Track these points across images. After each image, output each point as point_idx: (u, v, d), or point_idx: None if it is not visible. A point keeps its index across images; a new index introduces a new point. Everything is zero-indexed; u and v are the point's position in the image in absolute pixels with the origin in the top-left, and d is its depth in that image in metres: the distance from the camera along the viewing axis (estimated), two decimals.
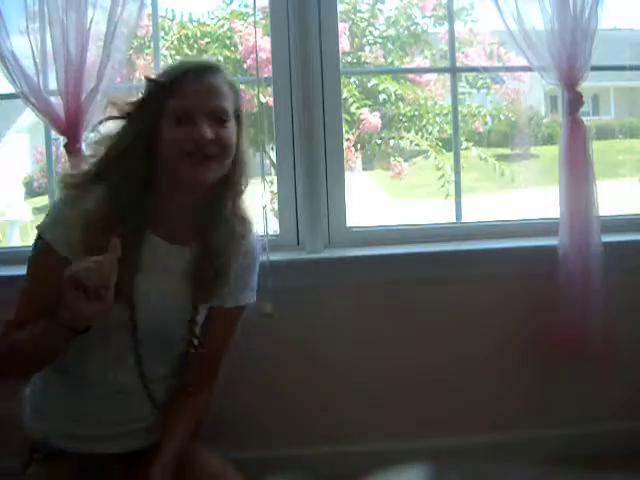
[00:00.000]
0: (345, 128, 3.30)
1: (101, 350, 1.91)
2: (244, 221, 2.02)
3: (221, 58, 3.76)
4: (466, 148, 3.75)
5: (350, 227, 2.95)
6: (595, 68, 2.80)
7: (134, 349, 1.92)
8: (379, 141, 3.92)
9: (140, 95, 1.93)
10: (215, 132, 1.84)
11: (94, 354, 1.92)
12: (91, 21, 2.57)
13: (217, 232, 1.95)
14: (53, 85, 2.63)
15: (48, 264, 1.83)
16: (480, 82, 4.03)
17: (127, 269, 1.76)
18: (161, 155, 1.85)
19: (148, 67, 3.42)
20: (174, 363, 2.02)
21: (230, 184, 1.95)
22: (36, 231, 1.88)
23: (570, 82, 2.75)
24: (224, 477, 1.98)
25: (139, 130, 1.87)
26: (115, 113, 1.92)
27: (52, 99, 2.63)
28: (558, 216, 2.81)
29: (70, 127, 2.62)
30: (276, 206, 3.02)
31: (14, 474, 1.99)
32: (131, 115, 1.91)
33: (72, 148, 2.62)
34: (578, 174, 2.75)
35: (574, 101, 2.76)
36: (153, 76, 1.95)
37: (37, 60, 2.59)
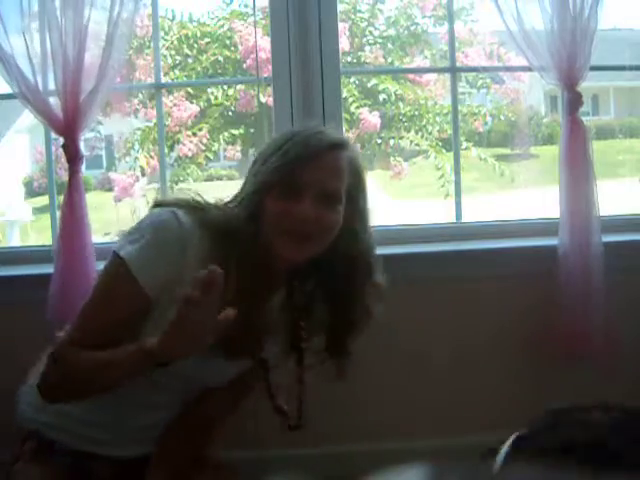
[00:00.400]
0: (345, 128, 3.30)
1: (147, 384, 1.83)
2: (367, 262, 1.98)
3: (221, 58, 3.76)
4: (466, 148, 3.75)
5: None
6: (595, 68, 2.80)
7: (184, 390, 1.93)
8: (379, 141, 3.93)
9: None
10: (319, 212, 1.73)
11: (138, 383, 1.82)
12: (88, 21, 2.57)
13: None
14: (52, 85, 2.63)
15: (123, 292, 1.74)
16: (480, 82, 4.04)
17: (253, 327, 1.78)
18: (263, 223, 1.76)
19: (148, 67, 3.42)
20: None
21: (344, 270, 1.88)
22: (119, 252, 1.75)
23: (570, 82, 2.75)
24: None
25: (258, 196, 1.77)
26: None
27: (51, 99, 2.63)
28: (558, 216, 2.81)
29: (68, 128, 2.62)
30: None
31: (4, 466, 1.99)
32: (257, 179, 1.80)
33: (70, 149, 2.62)
34: (578, 174, 2.76)
35: (574, 101, 2.76)
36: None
37: (35, 60, 2.59)
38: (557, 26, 2.69)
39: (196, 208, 1.78)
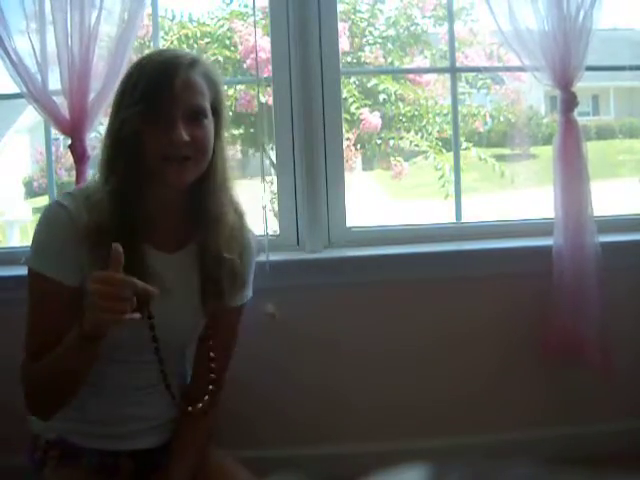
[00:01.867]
0: (345, 128, 3.30)
1: (124, 364, 1.92)
2: (237, 215, 1.97)
3: (221, 58, 3.76)
4: (466, 148, 3.74)
5: (350, 227, 2.95)
6: (595, 68, 2.80)
7: (158, 363, 1.92)
8: (379, 141, 3.92)
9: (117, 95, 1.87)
10: (190, 133, 1.78)
11: (117, 368, 1.93)
12: (96, 21, 2.57)
13: (212, 232, 1.90)
14: (58, 85, 2.62)
15: (47, 293, 1.84)
16: (480, 82, 4.03)
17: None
18: (145, 156, 1.80)
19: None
20: (189, 359, 2.07)
21: (213, 180, 1.89)
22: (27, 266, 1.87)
23: (564, 82, 2.75)
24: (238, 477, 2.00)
25: (119, 132, 1.81)
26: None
27: (57, 99, 2.63)
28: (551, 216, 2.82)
29: (75, 128, 2.62)
30: (276, 206, 3.02)
31: (17, 472, 1.99)
32: (113, 117, 1.85)
33: (77, 149, 2.62)
34: (573, 174, 2.76)
35: (568, 101, 2.77)
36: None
37: (41, 60, 2.59)
38: (550, 26, 2.69)
39: (77, 191, 1.92)
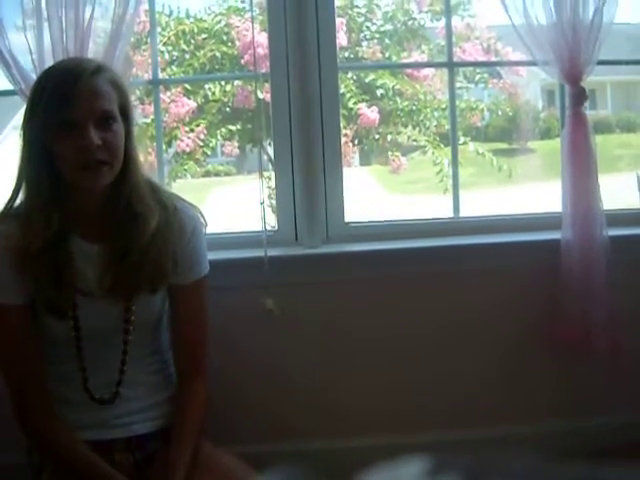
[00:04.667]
0: (343, 123, 3.30)
1: (59, 364, 2.01)
2: (161, 206, 2.00)
3: (218, 54, 3.75)
4: (464, 143, 3.74)
5: (348, 222, 2.95)
6: None
7: (79, 359, 1.99)
8: (377, 136, 3.92)
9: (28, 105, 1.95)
10: (102, 137, 1.85)
11: (55, 367, 2.00)
12: (90, 18, 2.57)
13: (120, 228, 1.96)
14: None
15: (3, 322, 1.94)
16: (478, 77, 4.03)
17: (63, 278, 1.89)
18: (58, 166, 1.88)
19: (145, 63, 3.42)
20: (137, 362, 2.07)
21: (128, 180, 1.95)
22: None
23: (573, 77, 2.75)
24: (236, 475, 2.00)
25: (31, 144, 1.91)
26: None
27: None
28: (557, 210, 2.82)
29: None
30: (274, 202, 3.02)
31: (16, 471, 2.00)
32: (24, 129, 1.95)
33: None
34: (581, 168, 2.76)
35: (578, 96, 2.77)
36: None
37: (35, 57, 2.59)
38: (560, 20, 2.69)
39: (6, 210, 1.97)
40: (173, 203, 2.05)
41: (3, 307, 1.91)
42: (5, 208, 1.97)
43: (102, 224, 1.97)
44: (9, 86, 2.63)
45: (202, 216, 2.14)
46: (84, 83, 1.84)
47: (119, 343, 2.01)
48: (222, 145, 3.93)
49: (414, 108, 3.94)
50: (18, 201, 1.96)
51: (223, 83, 3.77)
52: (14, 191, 1.95)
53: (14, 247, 1.87)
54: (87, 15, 2.56)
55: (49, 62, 2.57)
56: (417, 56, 4.01)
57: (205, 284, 2.12)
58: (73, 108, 1.82)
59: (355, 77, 3.82)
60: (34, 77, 2.58)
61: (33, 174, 1.91)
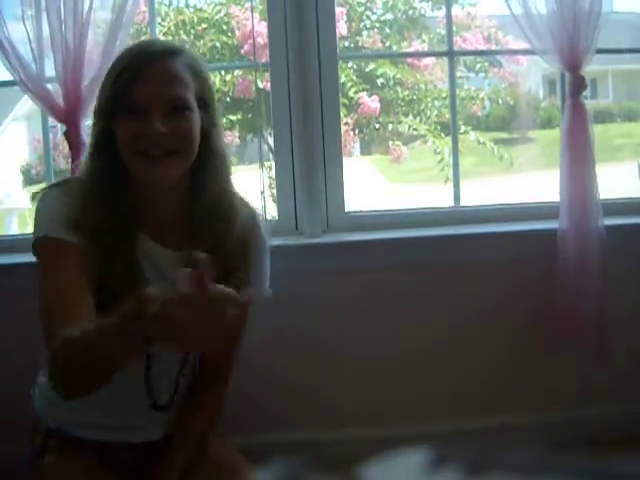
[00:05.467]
0: (343, 112, 3.30)
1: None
2: (232, 212, 1.82)
3: (218, 44, 3.75)
4: (464, 132, 3.74)
5: (348, 212, 2.95)
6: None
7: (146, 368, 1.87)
8: (377, 125, 3.92)
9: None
10: (171, 125, 1.66)
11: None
12: (90, 8, 2.56)
13: (202, 235, 1.76)
14: (50, 72, 2.62)
15: (63, 258, 1.67)
16: (478, 66, 4.03)
17: (131, 276, 1.67)
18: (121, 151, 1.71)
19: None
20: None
21: (208, 176, 1.79)
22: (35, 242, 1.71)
23: (573, 65, 2.74)
24: (234, 467, 1.99)
25: (100, 126, 1.73)
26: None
27: (51, 87, 2.62)
28: (557, 199, 2.82)
29: (70, 115, 2.61)
30: (274, 191, 3.02)
31: (16, 461, 1.99)
32: (95, 110, 1.77)
33: (72, 136, 2.62)
34: (579, 157, 2.76)
35: (577, 84, 2.76)
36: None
37: (35, 47, 2.58)
38: (560, 9, 2.68)
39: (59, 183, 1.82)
40: (252, 209, 1.92)
41: (72, 246, 1.66)
42: (69, 180, 1.86)
43: (180, 228, 1.79)
44: (9, 77, 2.63)
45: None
46: (157, 65, 1.67)
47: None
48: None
49: (415, 97, 3.95)
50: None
51: (223, 73, 3.77)
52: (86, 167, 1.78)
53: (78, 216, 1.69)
54: (86, 5, 2.56)
55: (48, 52, 2.57)
56: (417, 45, 4.01)
57: (248, 308, 1.93)
58: (140, 90, 1.65)
59: (355, 66, 3.82)
60: (33, 67, 2.59)
61: (100, 154, 1.73)
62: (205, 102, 1.75)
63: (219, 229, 1.78)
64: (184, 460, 1.90)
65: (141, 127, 1.65)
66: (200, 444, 1.96)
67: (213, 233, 1.77)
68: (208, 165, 1.78)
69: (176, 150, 1.68)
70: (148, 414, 1.93)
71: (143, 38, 3.35)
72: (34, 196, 1.88)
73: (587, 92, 2.81)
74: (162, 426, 1.95)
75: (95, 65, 2.58)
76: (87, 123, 2.62)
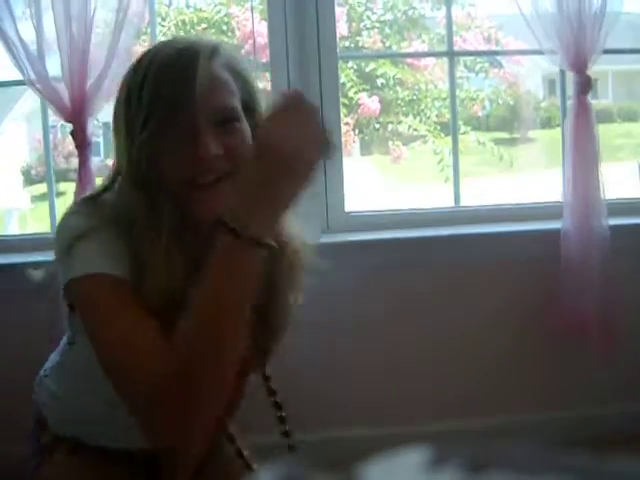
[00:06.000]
0: (343, 113, 3.30)
1: None
2: (297, 251, 1.61)
3: None
4: (465, 132, 3.75)
5: (348, 212, 2.94)
6: None
7: None
8: (377, 126, 3.92)
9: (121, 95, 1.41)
10: (221, 143, 1.33)
11: None
12: (95, 8, 2.56)
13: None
14: (56, 71, 2.61)
15: (117, 292, 1.34)
16: (478, 66, 4.03)
17: None
18: (159, 182, 1.36)
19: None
20: None
21: None
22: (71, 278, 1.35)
23: (579, 65, 2.74)
24: (237, 466, 1.98)
25: (124, 147, 1.37)
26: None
27: (58, 85, 2.62)
28: (557, 199, 2.81)
29: (75, 114, 2.61)
30: None
31: (18, 462, 1.99)
32: (117, 132, 1.40)
33: (78, 135, 2.61)
34: (585, 157, 2.76)
35: (583, 84, 2.76)
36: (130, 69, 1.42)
37: (41, 46, 2.58)
38: (567, 9, 2.68)
39: (87, 203, 1.44)
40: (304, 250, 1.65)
41: (117, 279, 1.32)
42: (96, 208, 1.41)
43: None
44: (10, 76, 2.63)
45: None
46: (199, 72, 1.32)
47: None
48: None
49: (415, 97, 3.95)
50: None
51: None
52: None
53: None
54: (92, 5, 2.56)
55: (53, 52, 2.57)
56: (417, 45, 4.02)
57: None
58: (183, 106, 1.32)
59: (355, 66, 3.82)
60: (41, 66, 2.58)
61: (134, 181, 1.36)
62: (251, 107, 1.42)
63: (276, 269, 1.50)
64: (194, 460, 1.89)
65: (191, 151, 1.32)
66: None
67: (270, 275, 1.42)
68: None
69: (229, 173, 1.34)
70: None
71: (143, 38, 3.35)
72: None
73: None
74: None
75: (99, 64, 2.58)
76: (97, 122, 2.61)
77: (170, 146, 1.33)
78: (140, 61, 1.39)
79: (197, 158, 1.31)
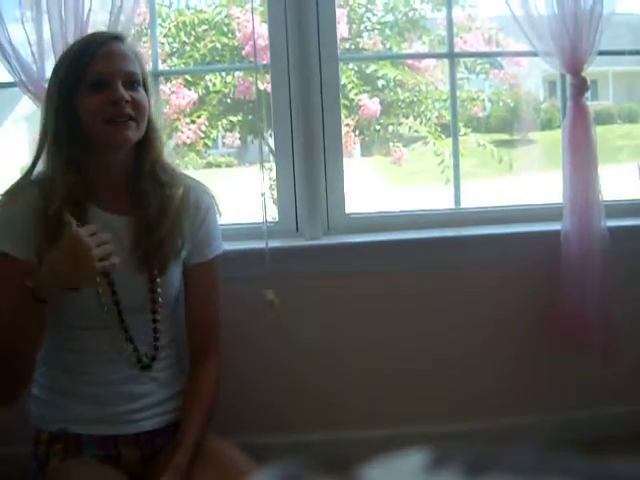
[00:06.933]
0: (344, 114, 3.30)
1: (96, 339, 1.98)
2: (173, 178, 2.05)
3: (219, 45, 3.75)
4: (465, 134, 3.74)
5: (349, 213, 2.95)
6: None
7: (123, 327, 1.99)
8: (378, 127, 3.92)
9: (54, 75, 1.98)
10: (130, 95, 1.92)
11: (90, 343, 1.98)
12: (89, 10, 2.56)
13: (150, 197, 2.00)
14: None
15: (8, 274, 1.90)
16: (479, 67, 4.02)
17: None
18: (84, 124, 1.92)
19: (145, 55, 3.41)
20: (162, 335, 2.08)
21: (149, 147, 2.01)
22: None
23: (574, 67, 2.74)
24: (236, 467, 1.99)
25: (56, 104, 1.93)
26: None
27: None
28: (558, 201, 2.81)
29: None
30: (275, 193, 3.02)
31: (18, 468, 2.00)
32: (49, 91, 1.98)
33: None
34: (582, 159, 2.76)
35: (579, 86, 2.76)
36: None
37: (35, 49, 2.58)
38: (561, 11, 2.68)
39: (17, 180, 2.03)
40: (187, 180, 2.11)
41: (12, 260, 1.90)
42: (26, 174, 2.00)
43: (126, 194, 2.01)
44: (8, 78, 2.63)
45: (213, 196, 2.19)
46: (111, 45, 1.95)
47: (149, 319, 2.03)
48: (223, 136, 3.93)
49: (415, 99, 3.94)
50: (39, 168, 2.00)
51: (224, 74, 3.77)
52: (35, 157, 1.99)
53: (36, 210, 1.89)
54: (86, 7, 2.56)
55: (49, 54, 2.57)
56: (418, 47, 4.01)
57: (218, 263, 2.18)
58: (102, 66, 1.90)
59: (356, 68, 3.81)
60: (34, 69, 2.59)
61: (55, 135, 1.92)
62: (145, 84, 2.00)
63: (163, 193, 2.01)
64: (186, 456, 1.91)
65: (109, 96, 1.90)
66: (203, 422, 1.98)
67: (157, 197, 2.00)
68: (148, 138, 2.01)
69: (135, 118, 1.93)
70: (138, 379, 2.00)
71: (144, 39, 3.35)
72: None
73: (587, 94, 2.81)
74: (159, 414, 2.00)
75: None
76: None
77: (93, 95, 1.89)
78: (67, 49, 2.02)
79: (113, 101, 1.89)
